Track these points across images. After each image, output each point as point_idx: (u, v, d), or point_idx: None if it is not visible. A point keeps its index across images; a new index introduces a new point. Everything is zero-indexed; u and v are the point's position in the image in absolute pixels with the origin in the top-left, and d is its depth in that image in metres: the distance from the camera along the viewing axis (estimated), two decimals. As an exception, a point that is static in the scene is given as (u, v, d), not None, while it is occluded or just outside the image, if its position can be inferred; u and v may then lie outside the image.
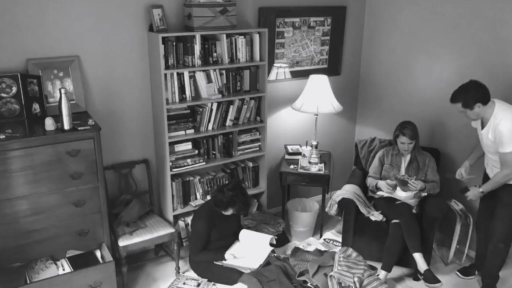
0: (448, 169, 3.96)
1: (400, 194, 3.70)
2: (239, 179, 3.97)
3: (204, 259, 3.41)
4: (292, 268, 3.33)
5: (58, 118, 2.92)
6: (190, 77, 3.55)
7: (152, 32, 3.40)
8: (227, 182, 3.86)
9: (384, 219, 3.63)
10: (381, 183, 3.71)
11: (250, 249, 3.44)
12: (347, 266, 3.07)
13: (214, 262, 3.37)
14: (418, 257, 3.37)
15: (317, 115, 4.10)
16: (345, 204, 3.70)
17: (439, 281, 3.25)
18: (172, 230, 3.52)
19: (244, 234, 3.53)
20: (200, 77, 3.59)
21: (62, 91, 2.86)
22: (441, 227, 3.92)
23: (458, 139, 3.91)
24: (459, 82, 3.82)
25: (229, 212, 3.40)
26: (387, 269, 3.45)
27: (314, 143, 4.07)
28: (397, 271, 3.67)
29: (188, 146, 3.70)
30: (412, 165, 3.71)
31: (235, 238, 3.54)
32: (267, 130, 4.03)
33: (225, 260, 3.35)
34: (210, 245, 3.42)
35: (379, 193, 3.80)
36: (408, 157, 3.75)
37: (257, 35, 3.75)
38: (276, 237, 3.61)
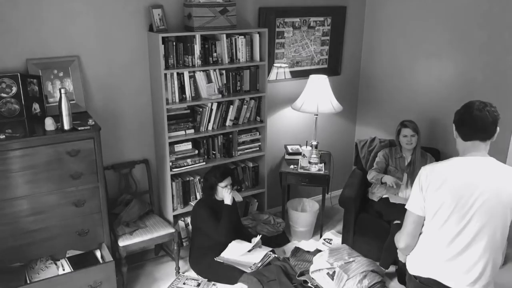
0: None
1: (400, 195, 3.70)
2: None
3: (230, 235, 3.42)
4: (292, 268, 3.33)
5: (58, 118, 2.91)
6: (190, 77, 3.55)
7: (152, 32, 3.40)
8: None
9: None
10: (388, 177, 3.67)
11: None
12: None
13: (215, 259, 3.36)
14: None
15: (317, 115, 4.10)
16: (345, 204, 3.70)
17: None
18: (172, 230, 3.52)
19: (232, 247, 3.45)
20: (200, 77, 3.59)
21: (62, 91, 2.86)
22: None
23: (458, 139, 3.90)
24: (459, 82, 3.84)
25: (220, 193, 3.44)
26: (385, 266, 3.48)
27: (314, 143, 4.07)
28: (395, 269, 3.67)
29: (188, 146, 3.70)
30: (412, 166, 3.70)
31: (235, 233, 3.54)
32: (267, 130, 4.03)
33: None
34: (210, 242, 3.41)
35: (378, 194, 3.79)
36: (409, 158, 3.74)
37: (257, 35, 3.75)
38: (261, 235, 3.56)
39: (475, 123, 2.03)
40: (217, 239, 3.40)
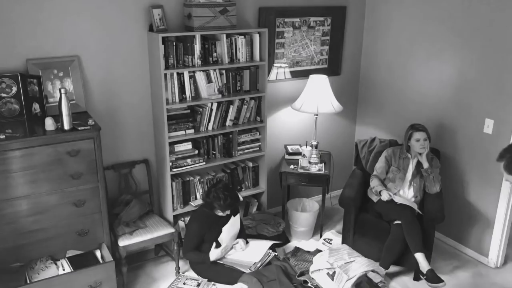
0: (448, 168, 3.96)
1: (400, 197, 3.70)
2: (225, 182, 3.88)
3: (192, 259, 3.44)
4: (292, 268, 3.33)
5: (58, 118, 2.92)
6: (190, 77, 3.55)
7: (152, 32, 3.40)
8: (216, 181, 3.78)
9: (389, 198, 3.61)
10: (385, 194, 3.63)
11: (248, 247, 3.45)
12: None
13: (216, 261, 3.36)
14: (420, 257, 3.36)
15: (317, 115, 4.09)
16: (345, 204, 3.70)
17: (442, 281, 3.25)
18: (172, 230, 3.52)
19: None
20: (200, 77, 3.59)
21: (62, 91, 2.87)
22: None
23: (457, 139, 3.90)
24: (459, 82, 3.84)
25: (218, 212, 3.39)
26: (385, 266, 3.48)
27: (314, 143, 4.07)
28: (395, 269, 3.68)
29: (188, 146, 3.70)
30: (419, 168, 3.67)
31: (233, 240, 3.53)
32: (267, 130, 4.03)
33: (210, 259, 3.33)
34: (203, 246, 3.41)
35: (383, 197, 3.79)
36: (415, 160, 3.71)
37: (257, 35, 3.75)
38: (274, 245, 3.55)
39: None
40: (183, 253, 3.47)
